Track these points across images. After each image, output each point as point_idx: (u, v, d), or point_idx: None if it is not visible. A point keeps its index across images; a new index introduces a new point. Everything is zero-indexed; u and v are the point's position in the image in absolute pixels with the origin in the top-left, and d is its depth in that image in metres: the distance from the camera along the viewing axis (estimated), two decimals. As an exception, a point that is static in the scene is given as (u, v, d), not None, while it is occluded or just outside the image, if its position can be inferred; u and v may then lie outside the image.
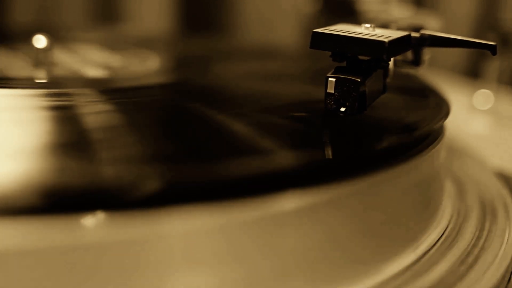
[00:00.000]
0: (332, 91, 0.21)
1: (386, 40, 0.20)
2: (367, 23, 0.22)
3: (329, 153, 0.19)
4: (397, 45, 0.21)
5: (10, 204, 0.14)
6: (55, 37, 0.33)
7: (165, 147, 0.19)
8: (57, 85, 0.28)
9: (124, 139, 0.19)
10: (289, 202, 0.16)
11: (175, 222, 0.15)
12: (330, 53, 0.21)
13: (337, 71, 0.21)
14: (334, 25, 0.22)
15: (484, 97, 0.43)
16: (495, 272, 0.19)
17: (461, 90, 0.47)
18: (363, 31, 0.21)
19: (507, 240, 0.21)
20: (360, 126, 0.21)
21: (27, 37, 0.32)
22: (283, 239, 0.17)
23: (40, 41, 0.31)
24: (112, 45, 0.39)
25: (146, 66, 0.33)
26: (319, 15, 0.40)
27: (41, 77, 0.30)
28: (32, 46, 0.31)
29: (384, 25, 0.24)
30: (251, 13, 0.65)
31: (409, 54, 0.24)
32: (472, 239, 0.21)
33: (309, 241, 0.17)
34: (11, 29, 0.52)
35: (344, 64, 0.21)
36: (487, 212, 0.23)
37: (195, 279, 0.16)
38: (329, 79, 0.21)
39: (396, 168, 0.19)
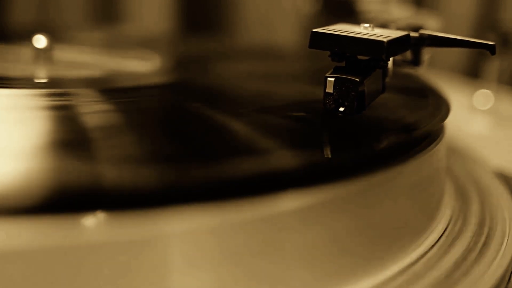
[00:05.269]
0: (331, 91, 0.21)
1: (385, 40, 0.20)
2: (367, 23, 0.22)
3: (328, 153, 0.19)
4: (396, 45, 0.21)
5: (10, 204, 0.14)
6: (55, 37, 0.33)
7: (165, 147, 0.19)
8: (57, 85, 0.28)
9: (124, 139, 0.19)
10: (288, 202, 0.16)
11: (175, 222, 0.15)
12: (329, 53, 0.21)
13: (336, 71, 0.21)
14: (333, 24, 0.22)
15: (484, 97, 0.43)
16: (495, 272, 0.19)
17: (461, 90, 0.47)
18: (362, 31, 0.21)
19: (507, 240, 0.21)
20: (359, 126, 0.21)
21: (27, 37, 0.32)
22: (283, 239, 0.17)
23: (40, 41, 0.31)
24: (112, 45, 0.39)
25: (146, 66, 0.33)
26: (319, 15, 0.40)
27: (41, 77, 0.30)
28: (32, 46, 0.31)
29: (383, 25, 0.24)
30: (251, 13, 0.65)
31: (408, 54, 0.24)
32: (472, 239, 0.21)
33: (309, 241, 0.17)
34: (11, 29, 0.52)
35: (343, 64, 0.21)
36: (487, 212, 0.23)
37: (195, 279, 0.16)
38: (328, 79, 0.21)
39: (396, 168, 0.19)
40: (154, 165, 0.17)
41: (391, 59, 0.23)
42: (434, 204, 0.22)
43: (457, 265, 0.19)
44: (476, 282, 0.18)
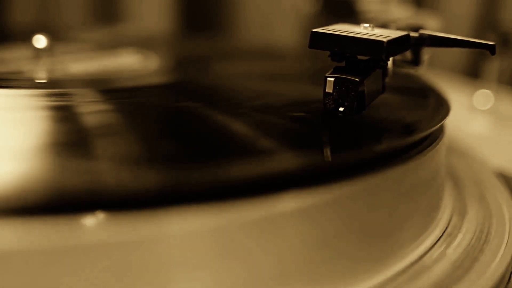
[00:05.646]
0: (331, 91, 0.21)
1: (385, 39, 0.20)
2: (367, 23, 0.22)
3: (328, 154, 0.19)
4: (396, 45, 0.21)
5: (10, 204, 0.14)
6: (55, 37, 0.33)
7: (165, 148, 0.19)
8: (56, 85, 0.28)
9: (124, 140, 0.19)
10: (288, 203, 0.16)
11: (174, 223, 0.15)
12: (329, 53, 0.21)
13: (335, 71, 0.21)
14: (333, 24, 0.22)
15: (484, 97, 0.43)
16: (495, 272, 0.19)
17: (461, 90, 0.47)
18: (362, 30, 0.21)
19: (507, 240, 0.21)
20: (359, 126, 0.21)
21: (27, 37, 0.32)
22: (283, 240, 0.17)
23: (40, 41, 0.31)
24: (112, 45, 0.39)
25: (146, 66, 0.33)
26: (319, 15, 0.40)
27: (41, 77, 0.30)
28: (32, 46, 0.31)
29: (384, 25, 0.24)
30: (251, 13, 0.65)
31: (408, 54, 0.24)
32: (471, 239, 0.21)
33: (309, 241, 0.17)
34: (11, 29, 0.52)
35: (343, 64, 0.21)
36: (487, 212, 0.23)
37: (195, 280, 0.16)
38: (328, 78, 0.21)
39: (396, 169, 0.19)
40: (154, 166, 0.17)
41: (391, 59, 0.23)
42: (434, 204, 0.22)
43: (457, 265, 0.19)
44: (476, 281, 0.18)
